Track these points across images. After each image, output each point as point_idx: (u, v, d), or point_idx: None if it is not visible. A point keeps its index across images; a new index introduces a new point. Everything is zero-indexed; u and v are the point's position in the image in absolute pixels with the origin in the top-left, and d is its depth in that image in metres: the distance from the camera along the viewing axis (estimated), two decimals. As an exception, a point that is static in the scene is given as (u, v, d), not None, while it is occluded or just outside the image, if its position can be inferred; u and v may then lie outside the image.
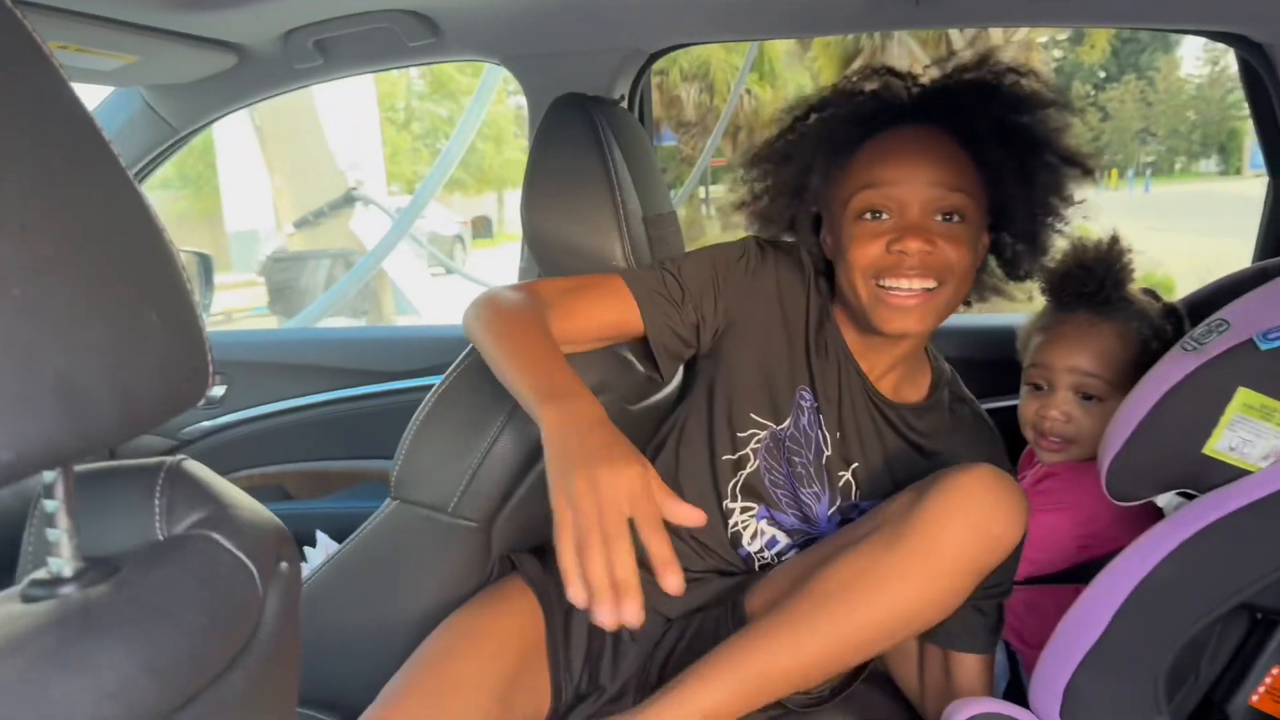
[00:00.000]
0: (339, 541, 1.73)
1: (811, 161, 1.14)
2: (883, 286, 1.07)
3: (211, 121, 1.79)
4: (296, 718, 0.79)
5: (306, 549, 1.61)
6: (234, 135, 8.94)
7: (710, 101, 15.84)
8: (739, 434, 1.21)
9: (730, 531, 1.22)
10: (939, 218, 1.07)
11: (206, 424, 2.00)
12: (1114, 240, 1.32)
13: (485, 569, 1.19)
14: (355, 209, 7.00)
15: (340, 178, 7.24)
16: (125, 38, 1.36)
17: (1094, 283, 1.28)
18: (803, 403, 1.19)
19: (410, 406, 1.93)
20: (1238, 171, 37.53)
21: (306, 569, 1.51)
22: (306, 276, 6.56)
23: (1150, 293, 1.33)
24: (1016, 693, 1.28)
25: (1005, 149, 1.09)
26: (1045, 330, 1.33)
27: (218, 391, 2.03)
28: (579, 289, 1.16)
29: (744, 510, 1.22)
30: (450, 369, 1.17)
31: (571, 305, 1.13)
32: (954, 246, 1.06)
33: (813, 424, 1.19)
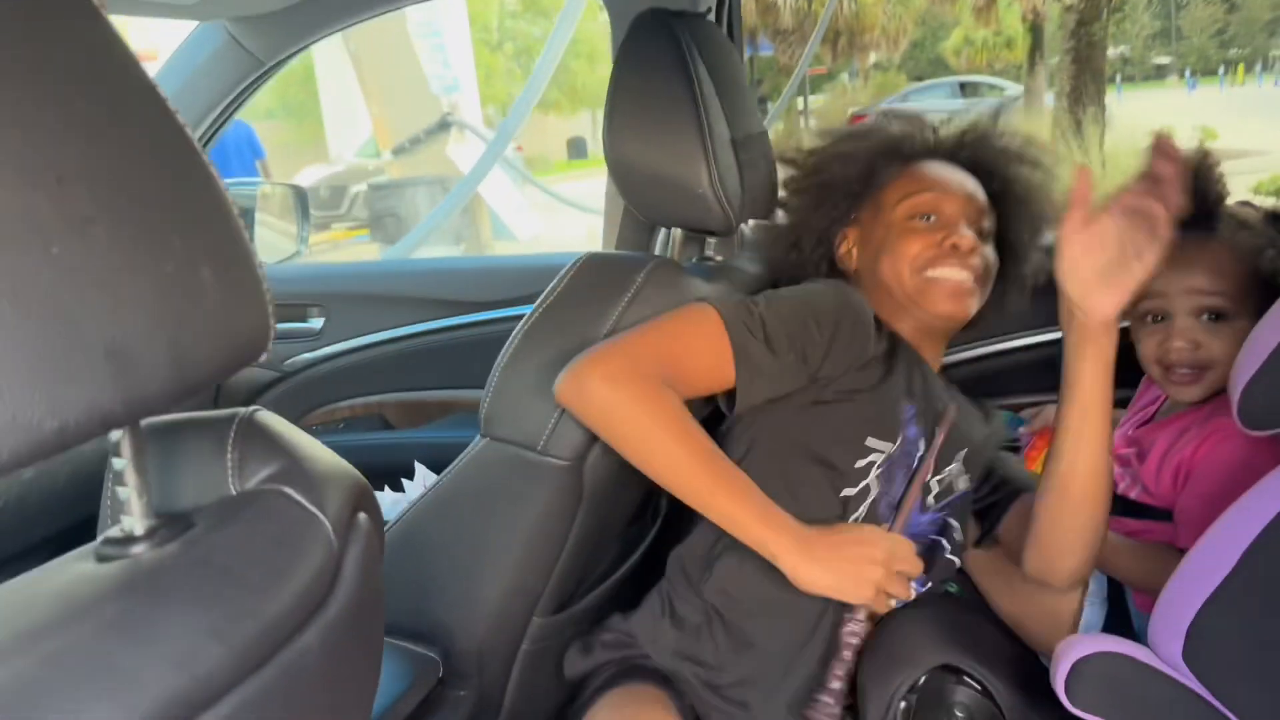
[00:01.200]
0: (436, 473, 1.77)
1: (871, 168, 1.28)
2: (930, 277, 1.19)
3: (297, 52, 1.78)
4: (386, 651, 0.79)
5: (405, 481, 1.62)
6: (334, 62, 9.02)
7: (809, 7, 15.34)
8: (858, 464, 1.15)
9: None
10: (975, 227, 1.22)
11: (308, 355, 2.04)
12: (1205, 154, 1.21)
13: (575, 508, 1.17)
14: (451, 134, 7.02)
15: (435, 103, 7.25)
16: (205, -30, 1.35)
17: (1194, 201, 1.18)
18: (907, 415, 1.18)
19: (501, 336, 1.92)
20: (1381, 61, 35.03)
21: (404, 500, 1.52)
22: (405, 204, 6.64)
23: (1246, 203, 1.23)
24: (1117, 625, 1.24)
25: (1016, 206, 1.28)
26: None
27: (317, 323, 2.05)
28: (677, 350, 1.09)
29: None
30: (535, 306, 1.15)
31: (679, 374, 1.08)
32: (988, 251, 1.23)
33: (917, 432, 1.18)
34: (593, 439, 1.13)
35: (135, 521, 0.52)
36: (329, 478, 0.63)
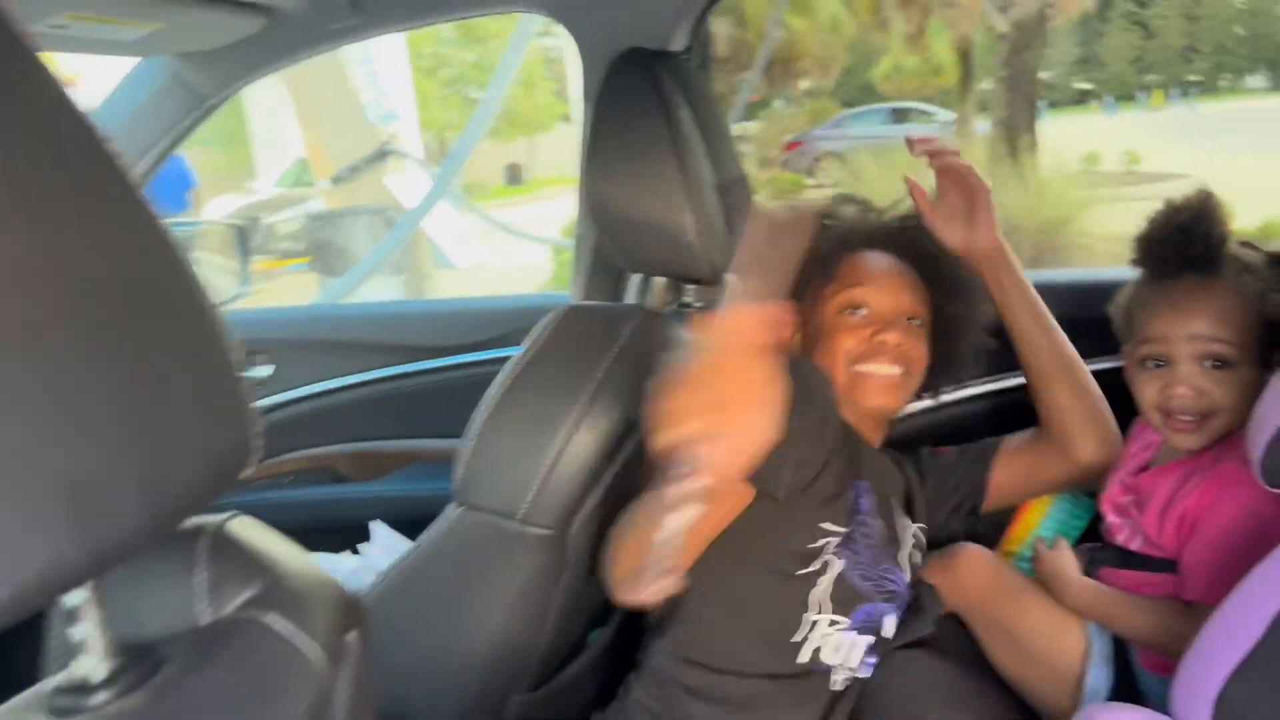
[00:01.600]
0: (397, 529, 1.67)
1: (811, 273, 1.32)
2: (860, 372, 1.24)
3: (242, 86, 1.69)
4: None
5: (362, 546, 1.53)
6: (265, 89, 8.85)
7: (744, 36, 15.49)
8: (810, 546, 1.13)
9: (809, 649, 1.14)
10: (905, 319, 1.27)
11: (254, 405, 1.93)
12: (1207, 195, 1.18)
13: (558, 578, 1.10)
14: (389, 163, 6.90)
15: (373, 131, 7.14)
16: (148, 4, 1.25)
17: (1196, 244, 1.15)
18: (858, 492, 1.20)
19: (459, 383, 1.86)
20: (1289, 86, 36.47)
21: (365, 565, 1.43)
22: (344, 234, 6.49)
23: (1247, 244, 1.20)
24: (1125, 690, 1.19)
25: (949, 288, 1.33)
26: (1150, 302, 1.20)
27: (264, 371, 1.95)
28: None
29: (832, 623, 1.14)
30: (512, 361, 1.07)
31: None
32: (917, 343, 1.28)
33: (869, 505, 1.20)
34: (578, 504, 1.06)
35: (94, 664, 0.44)
36: (316, 597, 0.55)
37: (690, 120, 1.12)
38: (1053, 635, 1.20)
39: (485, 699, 1.13)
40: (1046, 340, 1.30)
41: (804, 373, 1.09)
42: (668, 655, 1.13)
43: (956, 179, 1.27)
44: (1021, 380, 1.39)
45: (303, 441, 1.95)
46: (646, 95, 1.10)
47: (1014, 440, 1.38)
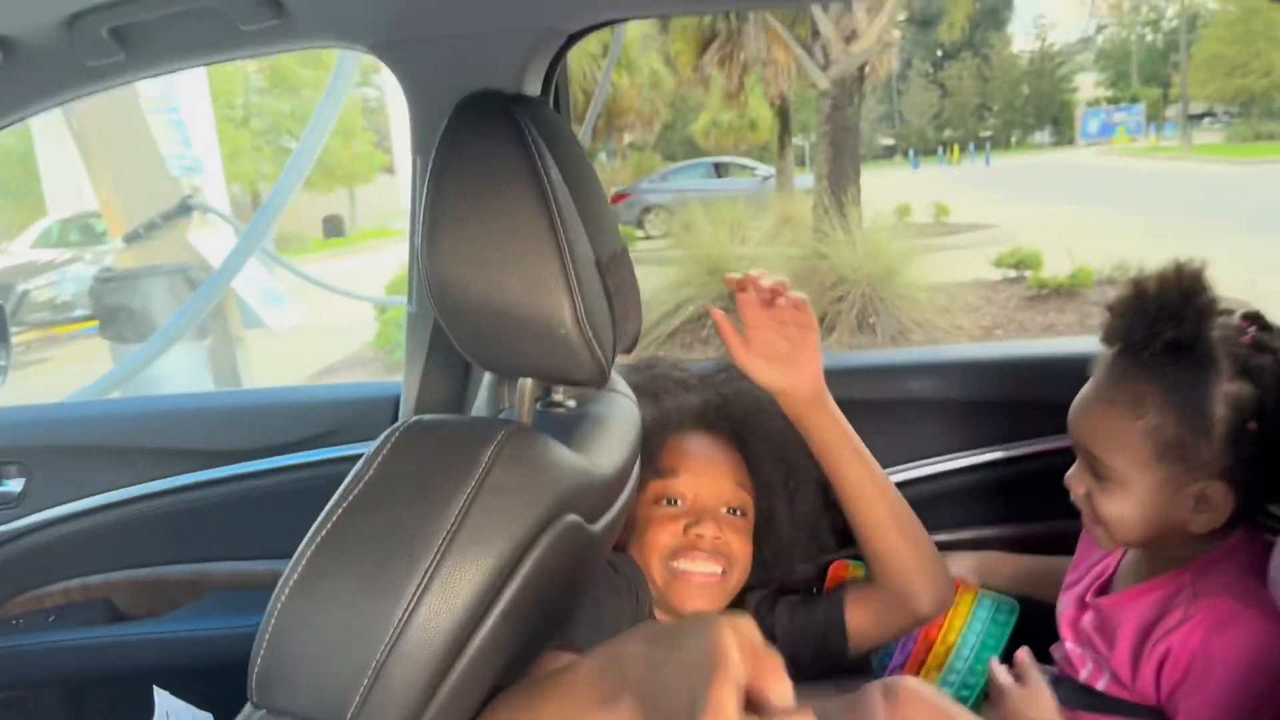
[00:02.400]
0: (191, 684, 1.33)
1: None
2: (677, 569, 1.16)
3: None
4: None
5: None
6: (56, 139, 8.14)
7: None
8: None
9: None
10: (725, 510, 1.20)
11: (4, 528, 1.55)
12: (1177, 266, 1.01)
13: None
14: (193, 218, 6.36)
15: (174, 184, 6.59)
16: None
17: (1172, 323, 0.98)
18: None
19: (266, 493, 1.54)
20: (1070, 142, 39.48)
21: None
22: (140, 296, 5.92)
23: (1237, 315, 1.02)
24: None
25: (775, 465, 1.26)
26: None
27: (15, 485, 1.57)
28: None
29: None
30: (330, 506, 0.79)
31: None
32: (738, 537, 1.20)
33: None
34: (428, 697, 0.78)
35: None
36: None
37: (560, 181, 0.87)
38: None
39: None
40: (875, 489, 1.21)
41: (624, 577, 1.16)
42: None
43: (781, 316, 1.17)
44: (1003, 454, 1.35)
45: (68, 570, 1.58)
46: (507, 148, 0.85)
47: (860, 586, 1.28)
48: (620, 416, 1.10)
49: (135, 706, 1.28)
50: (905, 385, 1.48)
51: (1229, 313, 0.99)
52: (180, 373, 5.38)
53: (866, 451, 1.21)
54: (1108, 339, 1.03)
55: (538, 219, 0.84)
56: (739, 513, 1.22)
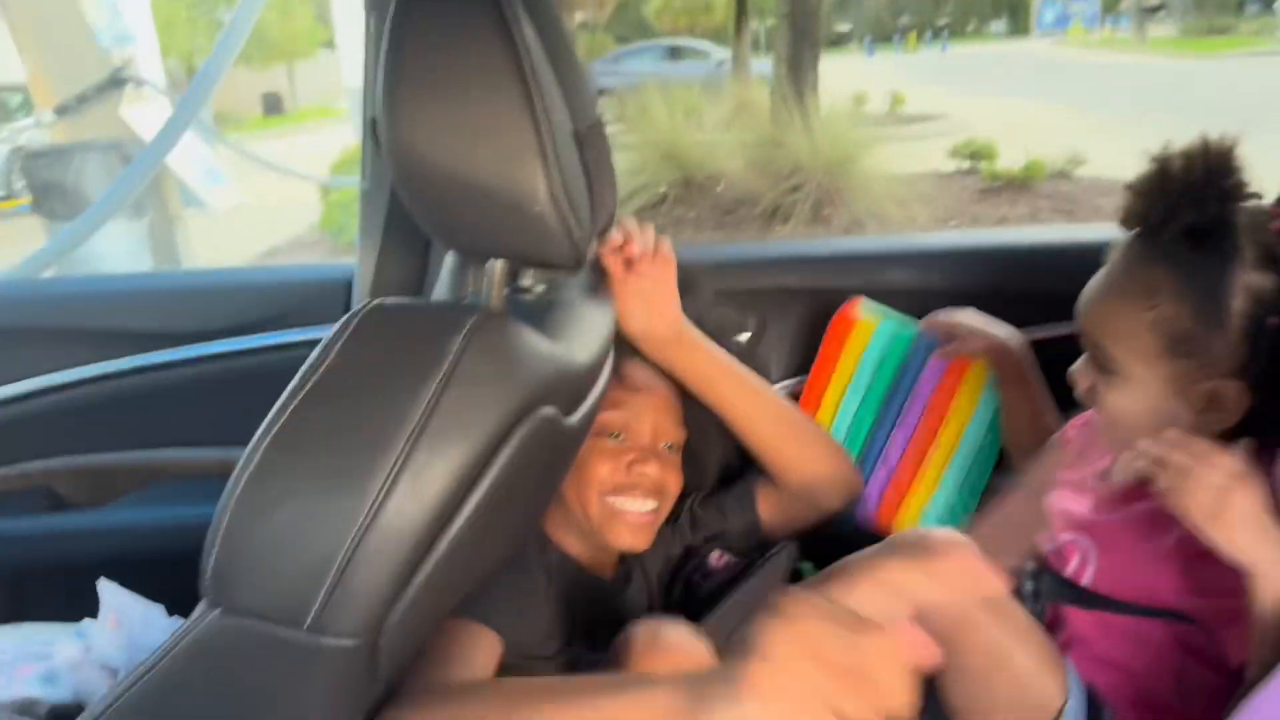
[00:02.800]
0: (137, 574, 1.28)
1: None
2: (614, 507, 1.14)
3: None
4: None
5: (87, 624, 1.13)
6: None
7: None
8: None
9: None
10: (665, 446, 1.18)
11: (-63, 411, 1.46)
12: (1210, 146, 0.93)
13: (366, 694, 0.78)
14: (125, 91, 6.07)
15: (104, 56, 6.27)
16: None
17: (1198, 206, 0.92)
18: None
19: (214, 379, 1.47)
20: (1025, 32, 39.13)
21: (88, 659, 1.05)
22: (73, 173, 5.68)
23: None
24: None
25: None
26: None
27: (-56, 368, 1.48)
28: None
29: None
30: (287, 393, 0.73)
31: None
32: (673, 473, 1.19)
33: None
34: (395, 596, 0.74)
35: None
36: None
37: (537, 43, 0.80)
38: (1029, 676, 0.96)
39: None
40: (761, 408, 1.22)
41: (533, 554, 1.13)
42: None
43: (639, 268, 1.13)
44: None
45: (5, 456, 1.51)
46: (477, 8, 0.77)
47: (767, 483, 1.27)
48: (593, 303, 1.04)
49: (81, 597, 1.22)
50: (884, 275, 1.43)
51: (1258, 197, 0.93)
52: (118, 253, 5.19)
53: (745, 372, 1.21)
54: (1125, 221, 0.98)
55: (510, 81, 0.76)
56: (675, 449, 1.21)
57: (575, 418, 0.90)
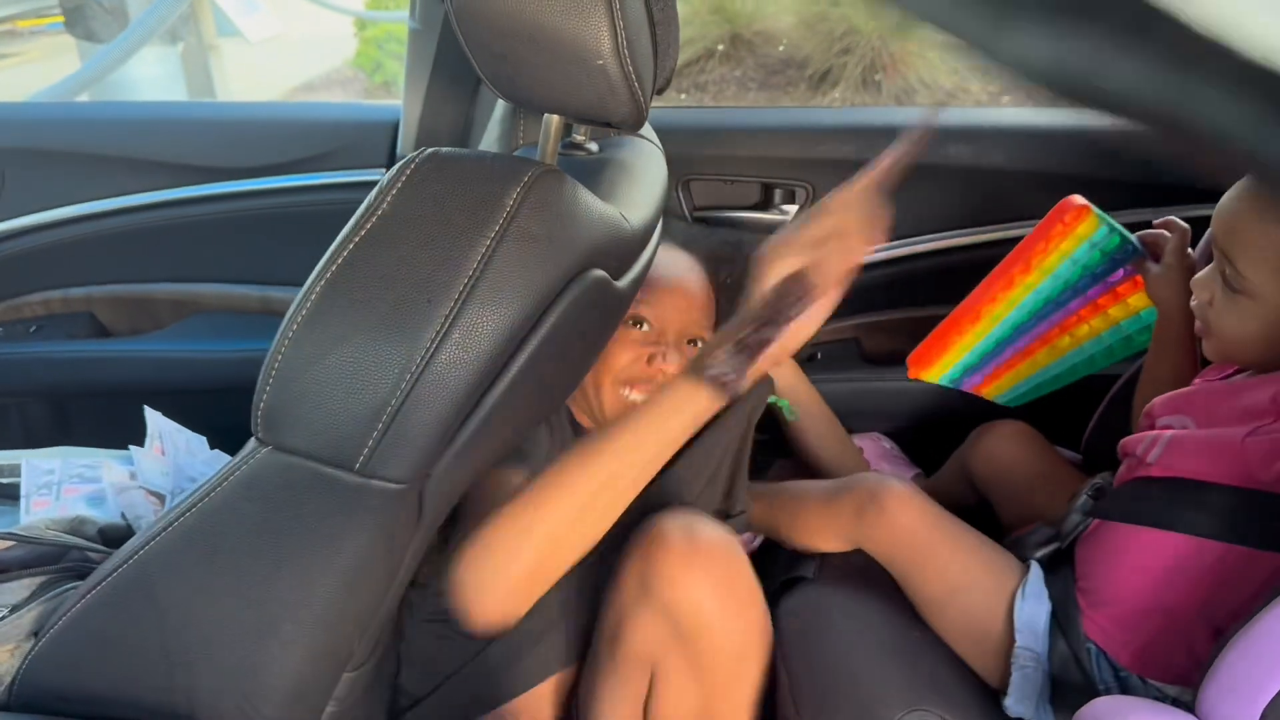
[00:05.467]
0: (177, 404, 1.31)
1: None
2: (625, 397, 1.13)
3: None
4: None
5: (134, 451, 1.15)
6: None
7: None
8: None
9: None
10: (687, 342, 1.17)
11: (-24, 230, 1.47)
12: None
13: (410, 537, 0.80)
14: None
15: None
16: None
17: None
18: None
19: (256, 216, 1.46)
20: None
21: (134, 484, 1.08)
22: (108, -10, 5.53)
23: None
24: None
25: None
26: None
27: (-12, 188, 1.48)
28: None
29: None
30: (341, 239, 0.73)
31: None
32: None
33: None
34: (440, 449, 0.75)
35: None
36: None
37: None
38: (988, 574, 1.01)
39: (304, 687, 0.84)
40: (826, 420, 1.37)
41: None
42: None
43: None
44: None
45: (47, 280, 1.52)
46: None
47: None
48: (646, 164, 1.02)
49: (121, 422, 1.25)
50: (942, 150, 1.39)
51: None
52: (152, 79, 5.11)
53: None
54: None
55: None
56: (697, 344, 1.17)
57: (624, 281, 0.89)
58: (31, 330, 1.52)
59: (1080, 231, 1.19)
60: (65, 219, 1.47)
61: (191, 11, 6.11)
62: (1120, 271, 1.22)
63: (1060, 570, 1.00)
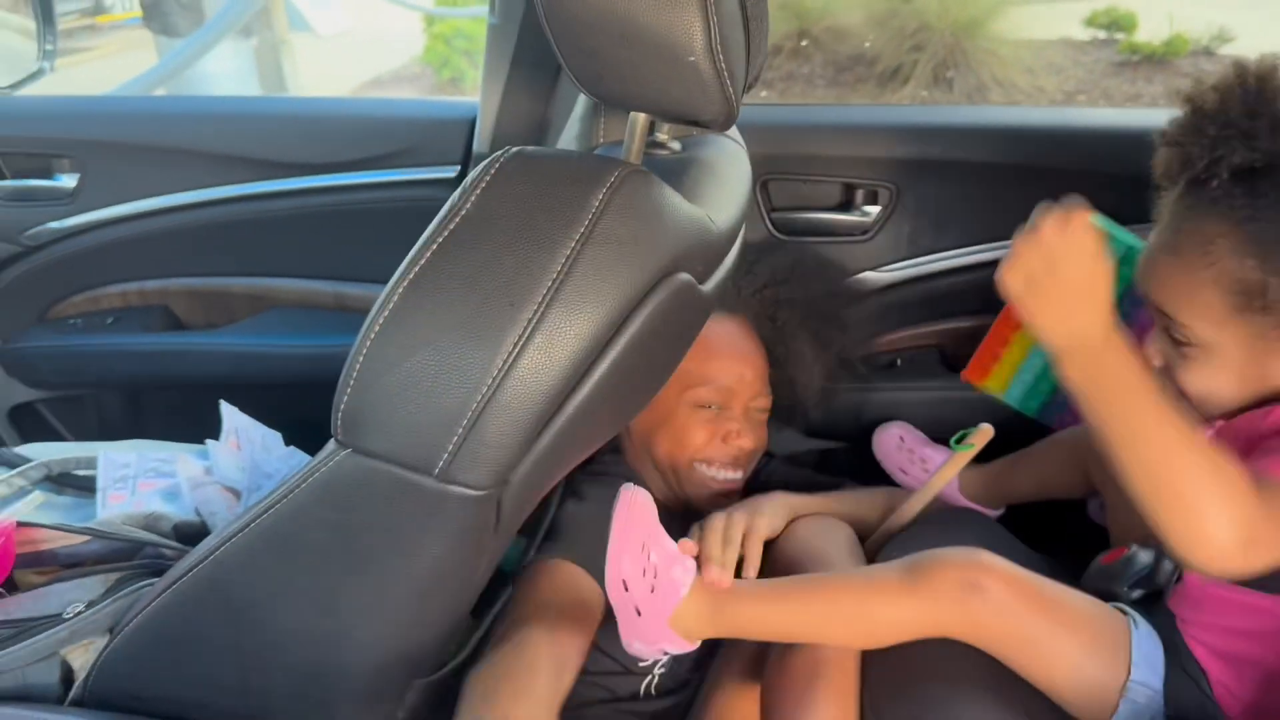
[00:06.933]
0: (252, 398, 1.31)
1: None
2: (705, 473, 1.19)
3: None
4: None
5: (210, 445, 1.15)
6: None
7: None
8: None
9: None
10: (757, 414, 1.23)
11: (57, 225, 1.49)
12: (1246, 71, 0.83)
13: (486, 547, 0.78)
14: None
15: None
16: None
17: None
18: None
19: (331, 211, 1.46)
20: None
21: (209, 480, 1.08)
22: (186, -14, 5.64)
23: None
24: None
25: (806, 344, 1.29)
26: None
27: (68, 181, 1.50)
28: None
29: None
30: (425, 239, 0.71)
31: None
32: (761, 433, 1.23)
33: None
34: (519, 456, 0.73)
35: None
36: None
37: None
38: (1099, 643, 0.90)
39: (376, 691, 0.83)
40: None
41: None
42: None
43: None
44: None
45: (124, 273, 1.54)
46: None
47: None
48: (730, 163, 0.99)
49: (194, 415, 1.25)
50: (1026, 151, 1.34)
51: None
52: (226, 74, 5.20)
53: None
54: (1164, 177, 0.86)
55: None
56: (763, 411, 1.24)
57: (710, 285, 0.87)
58: (109, 322, 1.53)
59: None
60: (143, 212, 1.48)
61: (265, 7, 6.20)
62: None
63: (1158, 608, 0.94)
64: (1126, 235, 1.09)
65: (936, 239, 1.38)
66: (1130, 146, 1.33)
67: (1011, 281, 0.80)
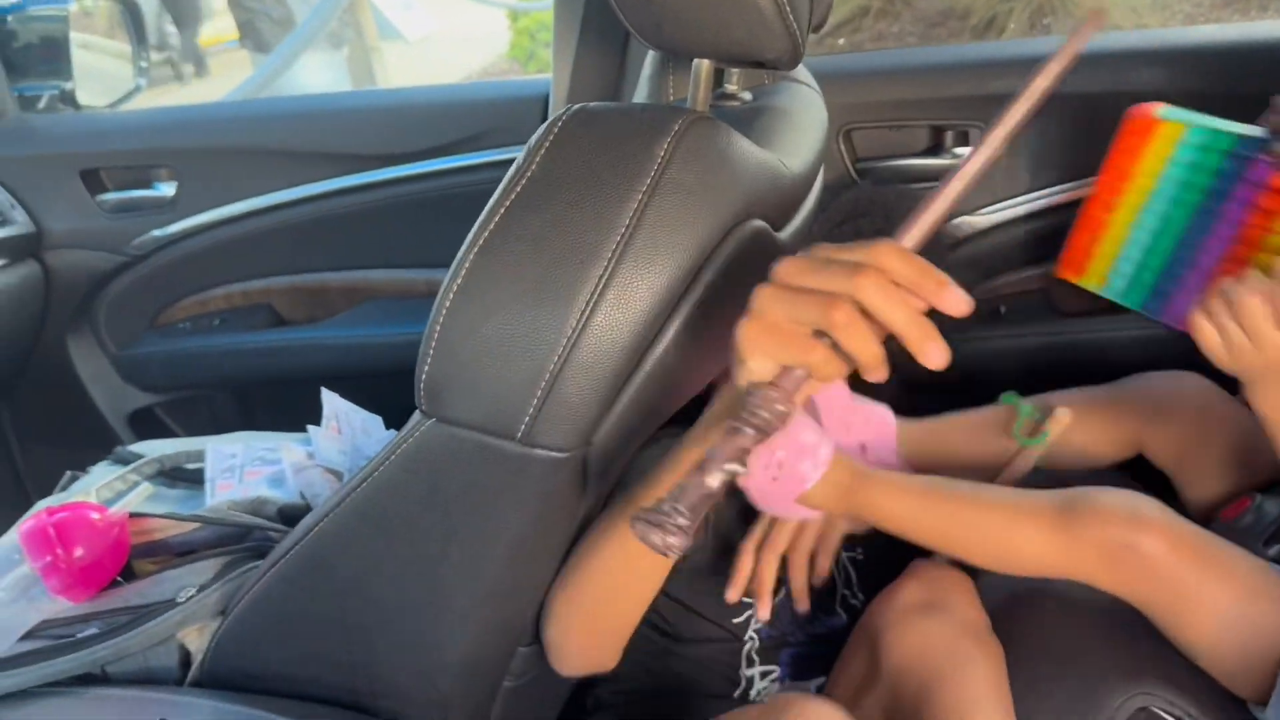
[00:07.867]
0: (355, 384, 1.33)
1: None
2: None
3: None
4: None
5: (312, 430, 1.18)
6: None
7: None
8: None
9: None
10: None
11: (160, 232, 1.54)
12: None
13: (577, 510, 0.78)
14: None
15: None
16: None
17: None
18: None
19: (417, 199, 1.48)
20: None
21: (312, 463, 1.10)
22: (277, 2, 5.81)
23: None
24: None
25: None
26: None
27: (167, 189, 1.55)
28: None
29: None
30: (493, 202, 0.70)
31: None
32: None
33: None
34: (601, 416, 0.72)
35: None
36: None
37: None
38: (1257, 600, 0.81)
39: (480, 660, 0.84)
40: None
41: None
42: None
43: None
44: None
45: (227, 275, 1.58)
46: None
47: None
48: (804, 109, 0.96)
49: (300, 407, 1.28)
50: (1127, 76, 1.27)
51: None
52: (322, 85, 5.34)
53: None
54: None
55: None
56: None
57: (786, 232, 0.84)
58: (216, 324, 1.58)
59: (1160, 141, 1.08)
60: (238, 214, 1.52)
61: (353, 15, 6.34)
62: (1259, 164, 1.03)
63: None
64: (1205, 124, 1.05)
65: (1035, 176, 1.32)
66: (1238, 63, 1.25)
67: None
